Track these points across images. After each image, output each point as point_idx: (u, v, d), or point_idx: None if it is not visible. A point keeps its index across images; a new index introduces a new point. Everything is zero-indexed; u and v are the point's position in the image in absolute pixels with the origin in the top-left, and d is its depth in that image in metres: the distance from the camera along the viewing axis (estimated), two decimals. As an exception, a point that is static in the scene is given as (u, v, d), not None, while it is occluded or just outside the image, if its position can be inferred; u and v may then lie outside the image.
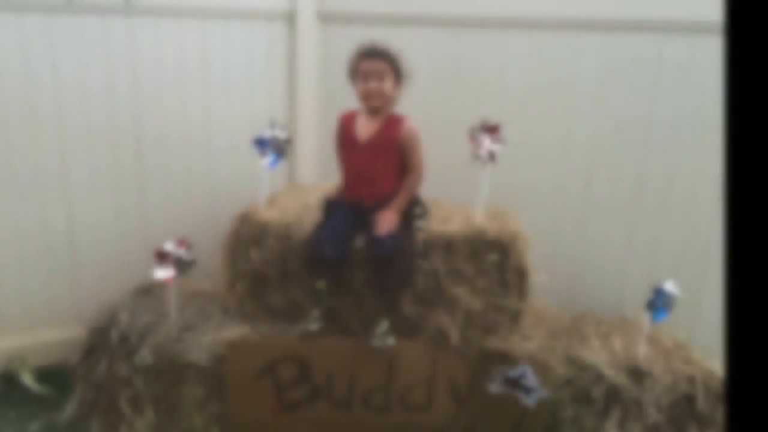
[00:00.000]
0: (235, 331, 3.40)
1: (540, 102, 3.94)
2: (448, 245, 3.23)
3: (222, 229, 3.58)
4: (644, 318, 3.47)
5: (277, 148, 3.51)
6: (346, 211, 3.30)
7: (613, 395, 3.27)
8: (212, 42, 4.09)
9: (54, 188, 3.89)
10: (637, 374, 3.27)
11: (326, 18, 4.27)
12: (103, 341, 3.56)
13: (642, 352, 3.36)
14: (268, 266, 3.38)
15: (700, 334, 3.72)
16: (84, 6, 3.69)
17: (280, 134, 3.52)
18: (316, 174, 4.45)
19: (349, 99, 3.35)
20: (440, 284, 3.26)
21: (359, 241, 3.25)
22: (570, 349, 3.41)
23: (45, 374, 3.94)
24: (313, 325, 3.26)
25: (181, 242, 3.44)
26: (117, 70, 3.88)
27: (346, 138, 3.32)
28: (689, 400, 3.26)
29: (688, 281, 3.64)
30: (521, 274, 3.31)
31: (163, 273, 3.41)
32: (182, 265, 3.44)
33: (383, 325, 3.23)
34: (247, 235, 3.39)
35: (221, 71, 4.17)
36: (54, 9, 3.65)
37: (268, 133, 3.50)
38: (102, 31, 3.79)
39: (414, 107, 3.46)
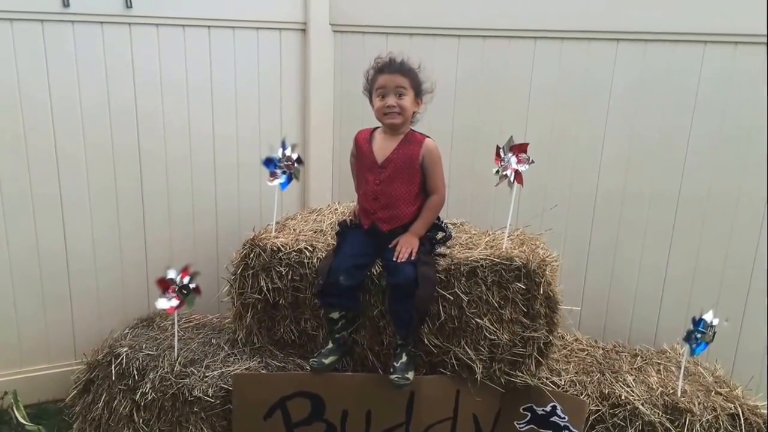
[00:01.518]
0: (242, 365, 3.41)
1: (570, 116, 3.95)
2: (472, 272, 3.22)
3: (229, 255, 3.61)
4: (682, 350, 3.48)
5: (288, 168, 3.53)
6: (362, 237, 3.33)
7: (650, 434, 3.29)
8: (218, 53, 4.13)
9: (48, 210, 3.93)
10: (675, 411, 3.28)
11: (341, 28, 4.31)
12: (102, 376, 3.59)
13: (680, 387, 3.36)
14: (279, 295, 3.40)
15: (742, 368, 3.74)
16: (80, 13, 3.74)
17: (292, 154, 3.54)
18: (330, 196, 4.48)
19: (365, 115, 3.38)
20: (463, 314, 3.25)
21: (376, 269, 3.26)
22: (603, 385, 3.41)
23: (39, 411, 3.98)
24: (327, 359, 3.27)
25: (185, 269, 3.44)
26: (115, 82, 3.92)
27: (362, 158, 3.33)
28: (731, 439, 3.27)
29: (729, 310, 3.65)
30: (550, 304, 3.31)
31: (166, 303, 3.41)
32: (186, 295, 3.43)
33: (402, 359, 3.24)
34: (256, 262, 3.40)
35: (227, 84, 4.22)
36: (47, 16, 3.69)
37: (279, 153, 3.52)
38: (99, 40, 3.83)
39: (434, 124, 3.49)
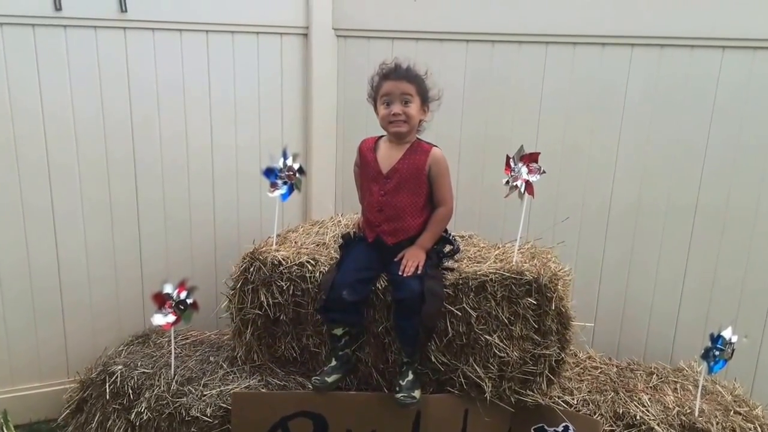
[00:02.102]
0: (242, 383, 3.42)
1: (583, 124, 3.95)
2: (481, 287, 3.22)
3: (228, 269, 3.62)
4: (699, 368, 3.48)
5: (289, 179, 3.53)
6: (367, 250, 3.33)
7: (666, 456, 3.28)
8: (216, 58, 4.14)
9: (39, 221, 3.92)
10: (693, 432, 3.28)
11: (345, 33, 4.33)
12: (96, 394, 3.60)
13: (697, 406, 3.36)
14: (280, 311, 3.41)
15: (762, 387, 3.73)
16: (72, 17, 3.74)
17: (293, 164, 3.54)
18: (333, 208, 4.48)
19: (370, 124, 3.38)
20: (472, 331, 3.25)
21: (381, 283, 3.26)
22: (617, 404, 3.42)
23: (30, 431, 3.97)
24: (330, 377, 3.26)
25: (182, 284, 3.44)
26: (109, 89, 3.92)
27: (366, 168, 3.33)
28: (751, 461, 3.27)
29: (748, 326, 3.65)
30: (562, 320, 3.30)
31: (162, 319, 3.42)
32: (183, 310, 3.43)
33: (408, 377, 3.23)
34: (256, 276, 3.40)
35: (226, 91, 4.22)
36: (38, 20, 3.69)
37: (279, 163, 3.52)
38: (93, 45, 3.83)
39: (441, 132, 3.50)
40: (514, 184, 3.23)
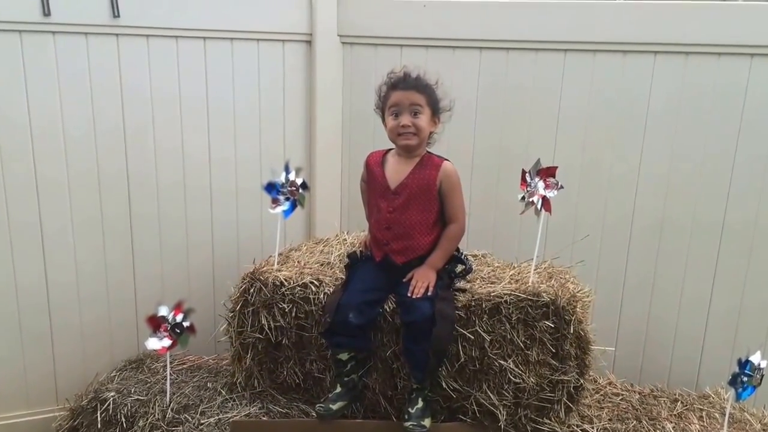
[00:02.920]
0: (241, 411, 3.42)
1: (603, 136, 3.94)
2: (495, 309, 3.21)
3: (226, 290, 3.62)
4: (727, 395, 3.48)
5: (292, 194, 3.54)
6: (374, 270, 3.33)
7: (692, 489, 3.28)
8: (214, 67, 4.14)
9: (26, 239, 3.92)
10: (720, 463, 3.28)
11: (351, 40, 4.33)
12: (87, 423, 3.60)
13: (725, 436, 3.36)
14: (282, 334, 3.41)
15: (794, 415, 3.73)
16: (62, 23, 3.74)
17: (297, 178, 3.55)
18: (339, 225, 4.47)
19: (377, 136, 3.38)
20: (485, 355, 3.25)
21: (389, 305, 3.26)
22: (640, 433, 3.42)
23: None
24: (335, 404, 3.26)
25: (178, 306, 3.44)
26: (101, 99, 3.92)
27: (373, 183, 3.34)
28: (782, 494, 3.27)
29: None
30: (581, 344, 3.30)
31: (157, 343, 3.42)
32: (179, 334, 3.43)
33: (418, 404, 3.23)
34: (257, 298, 3.41)
35: (225, 101, 4.22)
36: (26, 26, 3.69)
37: (282, 178, 3.53)
38: (84, 52, 3.83)
39: (453, 145, 3.50)
40: (531, 200, 3.23)
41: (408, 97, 3.16)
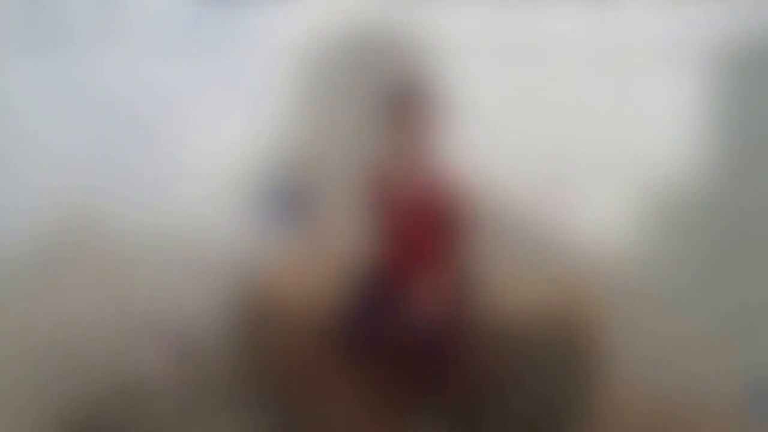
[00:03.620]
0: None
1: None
2: (505, 325, 3.25)
3: (218, 309, 3.59)
4: (745, 414, 3.49)
5: (291, 202, 3.52)
6: (379, 286, 3.33)
7: None
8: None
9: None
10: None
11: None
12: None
13: (750, 462, 3.33)
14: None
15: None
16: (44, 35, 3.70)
17: (295, 184, 3.52)
18: (341, 238, 4.45)
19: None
20: (495, 374, 3.27)
21: (394, 323, 3.27)
22: (658, 455, 3.40)
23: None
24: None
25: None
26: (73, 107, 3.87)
27: (377, 192, 3.35)
28: None
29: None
30: (596, 360, 3.31)
31: (150, 364, 3.39)
32: (173, 354, 3.41)
33: (424, 428, 3.24)
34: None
35: (215, 94, 4.17)
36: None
37: (279, 183, 3.50)
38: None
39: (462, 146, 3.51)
40: (546, 207, 3.22)
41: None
